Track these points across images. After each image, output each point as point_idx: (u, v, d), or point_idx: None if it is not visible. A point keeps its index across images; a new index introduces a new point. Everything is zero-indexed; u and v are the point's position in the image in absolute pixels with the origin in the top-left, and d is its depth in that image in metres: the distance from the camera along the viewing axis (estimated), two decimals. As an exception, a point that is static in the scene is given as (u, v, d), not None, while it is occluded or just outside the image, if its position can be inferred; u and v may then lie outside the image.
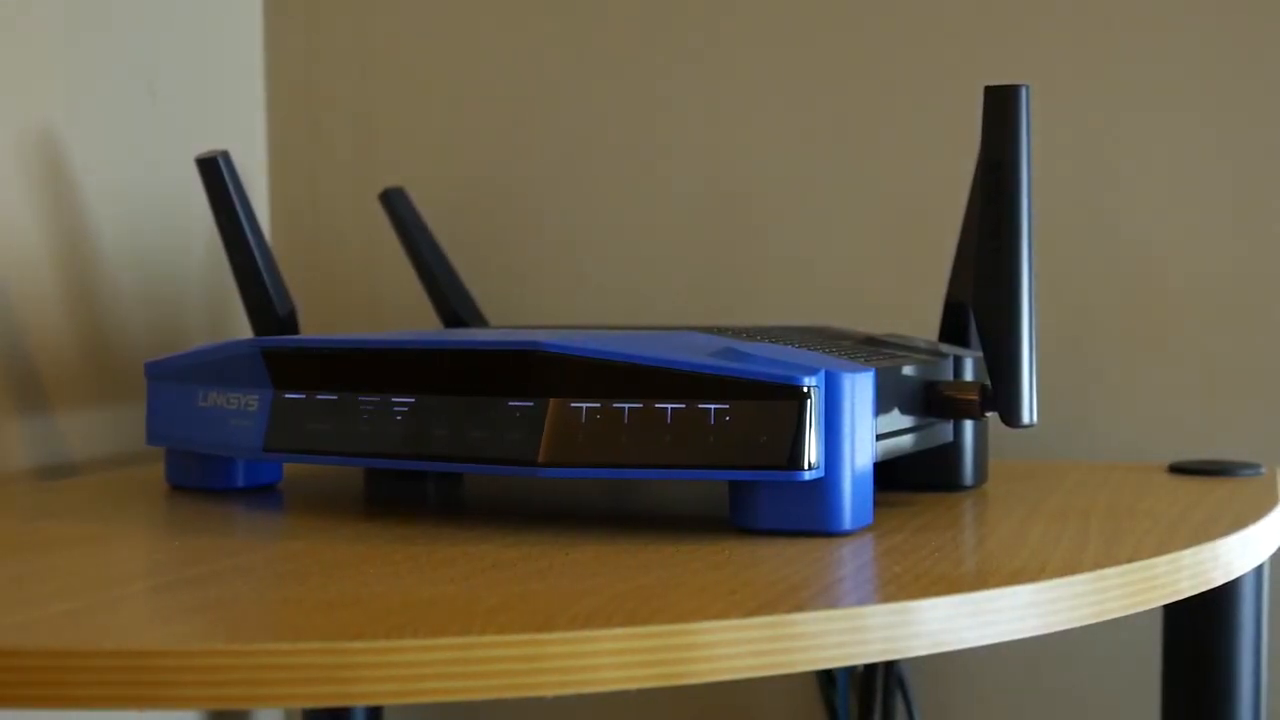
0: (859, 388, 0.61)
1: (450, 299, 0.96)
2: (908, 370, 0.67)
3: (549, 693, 0.45)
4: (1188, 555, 0.59)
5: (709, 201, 1.04)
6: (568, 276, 1.07)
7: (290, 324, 0.85)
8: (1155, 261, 0.96)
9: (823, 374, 0.60)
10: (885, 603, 0.49)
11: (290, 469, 0.80)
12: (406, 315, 1.07)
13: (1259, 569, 0.77)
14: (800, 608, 0.48)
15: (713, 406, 0.60)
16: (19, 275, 0.88)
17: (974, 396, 0.68)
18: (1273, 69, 0.94)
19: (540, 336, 0.65)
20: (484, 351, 0.64)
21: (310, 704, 0.44)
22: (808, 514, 0.60)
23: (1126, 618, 0.57)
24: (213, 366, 0.72)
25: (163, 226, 1.00)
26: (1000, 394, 0.65)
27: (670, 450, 0.60)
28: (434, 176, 1.08)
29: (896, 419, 0.65)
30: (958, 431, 0.74)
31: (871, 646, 0.49)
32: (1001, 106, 0.64)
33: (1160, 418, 0.96)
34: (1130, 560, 0.56)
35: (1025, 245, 0.64)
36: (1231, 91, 0.95)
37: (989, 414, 0.68)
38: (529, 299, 1.07)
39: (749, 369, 0.60)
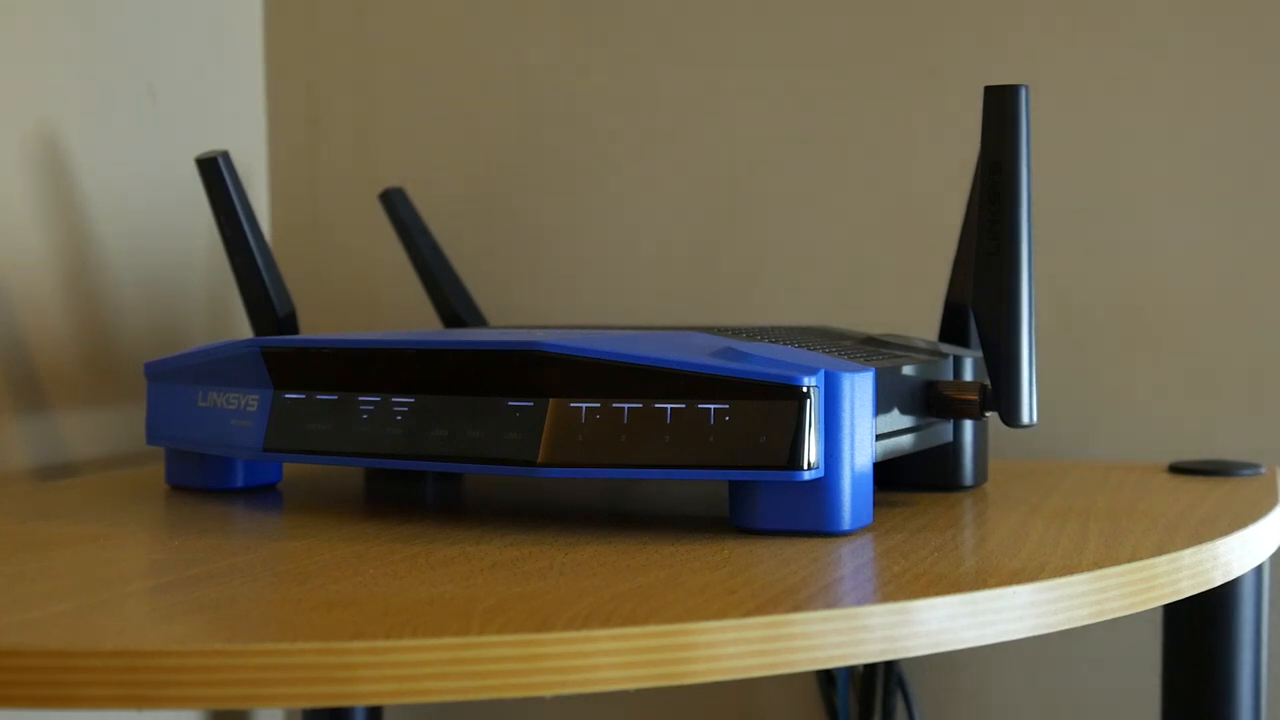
0: (859, 388, 0.61)
1: (450, 299, 0.96)
2: (908, 370, 0.67)
3: (548, 693, 0.45)
4: (1188, 555, 0.59)
5: (709, 201, 1.04)
6: (568, 276, 1.07)
7: (290, 324, 0.85)
8: (1155, 262, 0.96)
9: (822, 374, 0.60)
10: (885, 602, 0.49)
11: (290, 469, 0.80)
12: (406, 315, 1.07)
13: (1259, 569, 0.77)
14: (800, 608, 0.48)
15: (712, 406, 0.60)
16: (19, 275, 0.88)
17: (974, 396, 0.68)
18: (1272, 69, 0.94)
19: (540, 336, 0.65)
20: (484, 351, 0.64)
21: (310, 704, 0.44)
22: (807, 514, 0.60)
23: (1126, 618, 0.57)
24: (213, 366, 0.72)
25: (163, 226, 1.00)
26: (1000, 394, 0.65)
27: (670, 450, 0.60)
28: (434, 177, 1.08)
29: (896, 419, 0.65)
30: (958, 431, 0.74)
31: (871, 646, 0.49)
32: (1001, 107, 0.64)
33: (1160, 418, 0.96)
34: (1130, 560, 0.56)
35: (1025, 246, 0.64)
36: (1231, 91, 0.95)
37: (989, 414, 0.68)
38: (529, 299, 1.07)
39: (749, 369, 0.60)
